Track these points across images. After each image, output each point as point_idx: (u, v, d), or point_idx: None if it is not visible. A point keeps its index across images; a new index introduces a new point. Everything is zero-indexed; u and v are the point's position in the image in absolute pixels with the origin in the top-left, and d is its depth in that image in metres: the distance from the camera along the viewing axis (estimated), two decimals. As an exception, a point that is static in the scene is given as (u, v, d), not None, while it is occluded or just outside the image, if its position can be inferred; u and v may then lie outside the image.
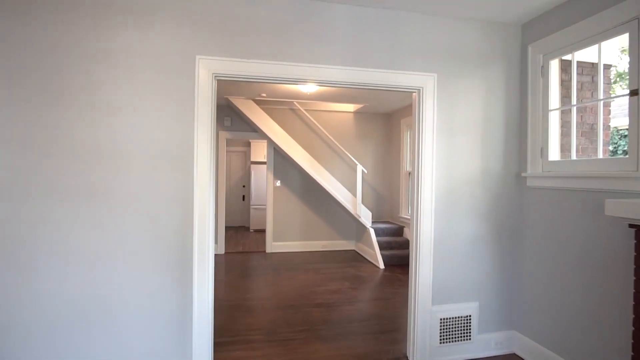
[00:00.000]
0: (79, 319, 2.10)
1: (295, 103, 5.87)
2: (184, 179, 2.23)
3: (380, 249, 5.70)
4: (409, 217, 5.96)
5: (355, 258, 6.02)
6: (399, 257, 5.64)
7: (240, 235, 8.05)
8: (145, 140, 2.17)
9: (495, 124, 2.72)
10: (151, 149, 2.18)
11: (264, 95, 5.28)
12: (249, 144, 9.24)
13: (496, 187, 2.73)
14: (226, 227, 9.09)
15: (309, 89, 4.48)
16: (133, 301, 2.17)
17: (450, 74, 2.63)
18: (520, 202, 2.75)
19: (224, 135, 6.15)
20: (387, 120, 6.77)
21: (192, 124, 2.24)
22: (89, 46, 2.08)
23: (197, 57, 2.23)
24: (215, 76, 2.30)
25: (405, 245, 5.87)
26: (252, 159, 8.87)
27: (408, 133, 6.13)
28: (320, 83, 2.51)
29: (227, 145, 9.05)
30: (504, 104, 2.74)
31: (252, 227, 8.73)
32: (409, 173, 6.11)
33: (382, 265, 5.44)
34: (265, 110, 6.04)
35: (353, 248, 6.66)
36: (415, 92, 2.62)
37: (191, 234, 2.25)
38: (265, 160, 8.71)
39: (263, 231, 8.49)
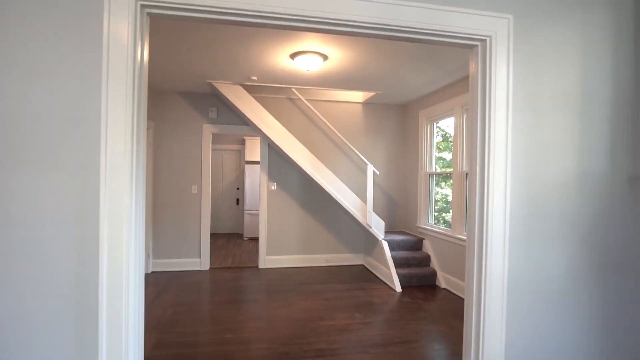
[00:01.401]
0: None
1: (293, 90, 4.90)
2: (81, 183, 1.27)
3: (396, 266, 4.72)
4: (429, 228, 4.99)
5: (365, 276, 5.03)
6: (418, 277, 4.64)
7: (232, 245, 7.08)
8: (8, 113, 1.21)
9: (599, 100, 1.74)
10: (22, 128, 1.22)
11: (255, 78, 4.30)
12: (243, 142, 8.28)
13: (601, 197, 1.74)
14: (217, 235, 8.16)
15: (310, 66, 3.51)
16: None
17: (534, 16, 1.65)
18: (636, 219, 1.76)
19: (209, 129, 5.18)
20: (402, 112, 5.78)
21: (98, 90, 1.27)
22: None
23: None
24: (145, 7, 1.33)
25: (426, 262, 4.88)
26: (247, 159, 7.90)
27: (428, 127, 5.14)
28: (325, 25, 1.53)
29: (215, 142, 8.11)
30: (612, 70, 1.75)
31: (246, 234, 7.76)
32: (431, 175, 5.12)
33: (398, 288, 4.45)
34: (259, 100, 5.08)
35: (361, 263, 5.67)
36: (476, 44, 1.65)
37: (95, 276, 1.28)
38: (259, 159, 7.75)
39: (257, 239, 7.51)
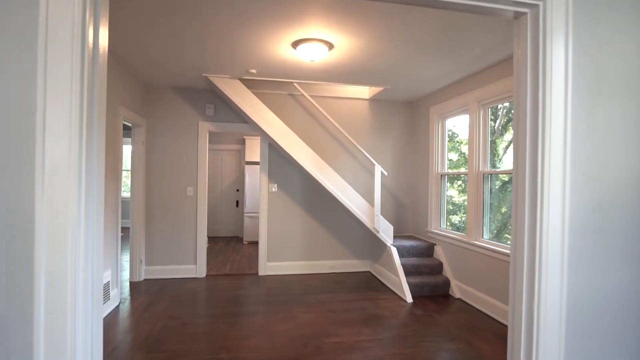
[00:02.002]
0: None
1: (295, 85, 4.57)
2: (11, 190, 0.94)
3: (406, 274, 4.37)
4: (440, 232, 4.64)
5: (372, 284, 4.68)
6: (430, 287, 4.30)
7: (231, 249, 6.75)
8: None
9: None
10: None
11: (254, 71, 3.98)
12: (243, 142, 7.96)
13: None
14: (216, 238, 7.82)
15: (314, 55, 3.18)
16: None
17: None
18: None
19: (206, 127, 4.86)
20: (411, 110, 5.44)
21: (32, 81, 0.95)
22: None
23: None
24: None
25: (438, 269, 4.53)
26: (247, 159, 7.58)
27: (439, 124, 4.80)
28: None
29: (214, 142, 7.78)
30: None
31: (246, 238, 7.43)
32: (442, 176, 4.78)
33: (409, 298, 4.11)
34: (259, 96, 4.76)
35: (368, 270, 5.32)
36: (524, 12, 1.32)
37: (27, 320, 0.95)
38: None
39: (258, 243, 7.19)
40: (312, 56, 3.20)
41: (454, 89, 4.40)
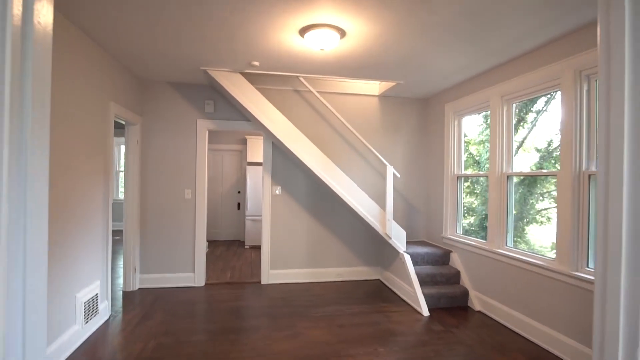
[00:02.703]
0: None
1: (300, 80, 4.25)
2: None
3: (421, 283, 4.04)
4: (458, 239, 4.30)
5: (383, 294, 4.35)
6: (448, 298, 3.96)
7: (232, 254, 6.42)
8: None
9: None
10: None
11: (256, 63, 3.66)
12: (245, 142, 7.65)
13: None
14: (216, 242, 7.50)
15: (324, 44, 2.86)
16: None
17: None
18: None
19: (205, 125, 4.54)
20: (424, 107, 5.11)
21: None
22: None
23: None
24: None
25: (455, 279, 4.19)
26: (249, 160, 7.26)
27: (456, 122, 4.47)
28: None
29: (214, 142, 7.47)
30: None
31: (248, 242, 7.10)
32: (459, 177, 4.44)
33: (425, 311, 3.77)
34: (262, 92, 4.44)
35: (377, 277, 4.99)
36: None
37: None
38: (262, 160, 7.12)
39: (260, 248, 6.87)
40: (321, 44, 2.88)
41: (472, 84, 4.07)
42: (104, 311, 3.43)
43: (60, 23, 2.61)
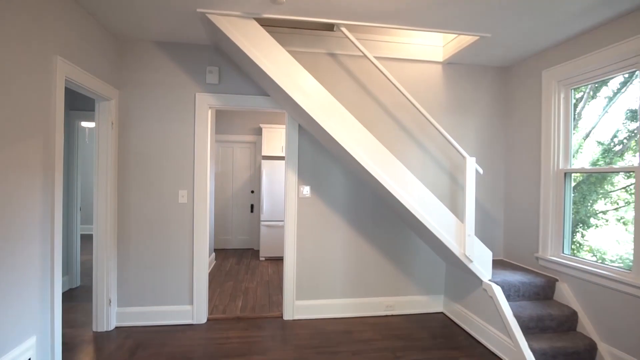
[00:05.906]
0: None
1: (343, 30, 2.91)
2: None
3: (523, 330, 2.71)
4: (564, 262, 2.85)
5: (454, 338, 3.04)
6: (566, 356, 2.62)
7: (244, 270, 5.19)
8: None
9: None
10: None
11: (283, 0, 2.38)
12: (260, 131, 6.40)
13: None
14: (225, 252, 6.21)
15: None
16: None
17: None
18: None
19: (206, 100, 3.29)
20: (506, 78, 3.75)
21: None
22: None
23: None
24: None
25: (570, 322, 2.84)
26: (265, 153, 6.01)
27: (562, 96, 3.11)
28: None
29: (222, 131, 6.17)
30: None
31: (263, 253, 5.86)
32: (567, 174, 3.08)
33: (538, 378, 2.45)
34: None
35: (440, 310, 3.68)
36: None
37: None
38: (283, 153, 5.86)
39: (279, 260, 5.63)
40: None
41: (593, 37, 2.71)
42: (47, 380, 2.22)
43: None
